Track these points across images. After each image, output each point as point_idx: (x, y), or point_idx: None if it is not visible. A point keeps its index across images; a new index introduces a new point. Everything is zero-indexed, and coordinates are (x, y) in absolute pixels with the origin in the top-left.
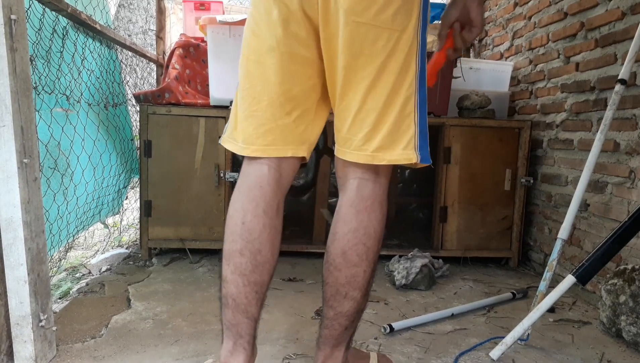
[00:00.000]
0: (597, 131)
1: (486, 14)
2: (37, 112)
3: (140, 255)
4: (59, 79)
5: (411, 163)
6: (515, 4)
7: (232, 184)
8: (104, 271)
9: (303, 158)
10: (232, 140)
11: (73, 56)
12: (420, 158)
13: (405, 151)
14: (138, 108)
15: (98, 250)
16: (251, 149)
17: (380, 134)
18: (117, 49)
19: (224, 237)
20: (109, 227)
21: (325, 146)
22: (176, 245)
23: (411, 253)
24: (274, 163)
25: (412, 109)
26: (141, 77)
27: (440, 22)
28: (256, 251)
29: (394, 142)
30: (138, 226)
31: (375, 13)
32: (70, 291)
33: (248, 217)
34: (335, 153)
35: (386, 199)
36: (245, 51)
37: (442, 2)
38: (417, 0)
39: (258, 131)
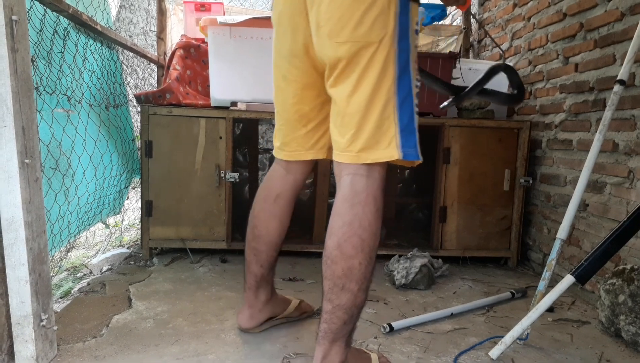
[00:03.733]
0: (596, 132)
1: (485, 15)
2: (38, 113)
3: (141, 255)
4: (60, 80)
5: (394, 160)
6: (515, 5)
7: (233, 185)
8: (105, 271)
9: (322, 159)
10: (275, 145)
11: (74, 57)
12: (403, 154)
13: (386, 150)
14: (139, 109)
15: (99, 250)
16: (281, 154)
17: (363, 136)
18: (118, 50)
19: (225, 236)
20: (110, 227)
21: None
22: (177, 245)
23: (411, 252)
24: (286, 165)
25: (392, 111)
26: (142, 78)
27: (440, 22)
28: (253, 226)
29: (377, 142)
30: (139, 226)
31: (351, 30)
32: (72, 291)
33: (255, 201)
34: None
35: (381, 195)
36: (273, 77)
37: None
38: (392, 11)
39: (284, 141)
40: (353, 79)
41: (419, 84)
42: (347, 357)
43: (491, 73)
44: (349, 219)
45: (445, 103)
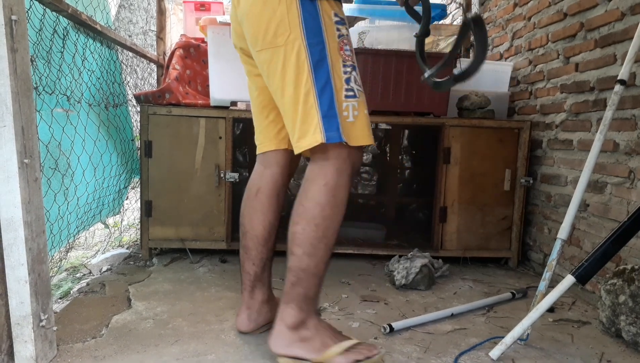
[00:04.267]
0: (597, 131)
1: (486, 15)
2: (37, 113)
3: (140, 255)
4: (59, 80)
5: (319, 144)
6: (515, 5)
7: (232, 185)
8: (104, 271)
9: (287, 150)
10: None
11: (74, 57)
12: (326, 138)
13: (314, 136)
14: (138, 109)
15: (98, 250)
16: (258, 149)
17: (297, 127)
18: (117, 50)
19: (225, 236)
20: (110, 227)
21: None
22: (176, 245)
23: (411, 253)
24: (262, 158)
25: (314, 101)
26: (142, 78)
27: (440, 22)
28: (241, 224)
29: (306, 131)
30: (138, 226)
31: (262, 38)
32: (71, 291)
33: (242, 201)
34: None
35: (339, 180)
36: None
37: (442, 2)
38: (294, 15)
39: (256, 134)
40: (278, 79)
41: (348, 69)
42: (306, 324)
43: (464, 30)
44: (299, 193)
45: (426, 75)
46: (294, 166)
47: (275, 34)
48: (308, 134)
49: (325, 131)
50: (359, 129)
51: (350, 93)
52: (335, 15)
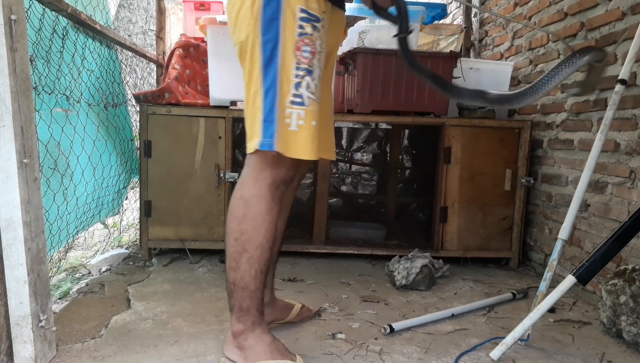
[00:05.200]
0: (598, 131)
1: (486, 14)
2: (37, 113)
3: (140, 255)
4: (58, 79)
5: (256, 149)
6: (516, 4)
7: (232, 185)
8: (103, 272)
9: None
10: None
11: (73, 56)
12: (260, 144)
13: (254, 140)
14: (138, 108)
15: (98, 250)
16: None
17: (248, 128)
18: (117, 49)
19: (224, 236)
20: (109, 227)
21: None
22: (176, 245)
23: (411, 253)
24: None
25: (260, 102)
26: (141, 78)
27: (440, 21)
28: None
29: (253, 133)
30: (138, 226)
31: (232, 33)
32: (70, 292)
33: None
34: None
35: (255, 191)
36: None
37: (442, 2)
38: (255, 8)
39: None
40: (244, 76)
41: (301, 73)
42: (246, 335)
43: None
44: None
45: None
46: (301, 169)
47: (240, 28)
48: (253, 137)
49: (262, 136)
50: (301, 140)
51: (298, 100)
52: (303, 10)
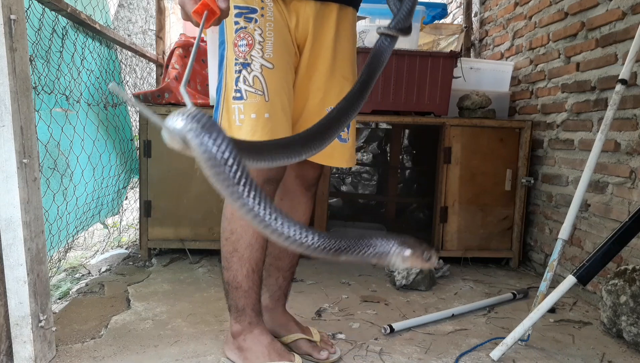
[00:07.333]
0: (598, 131)
1: (486, 14)
2: (36, 113)
3: (139, 256)
4: (58, 79)
5: None
6: (516, 4)
7: None
8: (103, 272)
9: None
10: None
11: (73, 56)
12: None
13: None
14: (137, 108)
15: (97, 251)
16: None
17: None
18: (116, 49)
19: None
20: (109, 227)
21: None
22: (176, 246)
23: None
24: None
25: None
26: (141, 77)
27: (441, 21)
28: None
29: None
30: (138, 226)
31: None
32: (70, 292)
33: None
34: None
35: None
36: None
37: (442, 1)
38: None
39: None
40: None
41: (238, 67)
42: (244, 336)
43: None
44: None
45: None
46: (309, 172)
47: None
48: None
49: None
50: (242, 135)
51: (238, 95)
52: (236, 7)
